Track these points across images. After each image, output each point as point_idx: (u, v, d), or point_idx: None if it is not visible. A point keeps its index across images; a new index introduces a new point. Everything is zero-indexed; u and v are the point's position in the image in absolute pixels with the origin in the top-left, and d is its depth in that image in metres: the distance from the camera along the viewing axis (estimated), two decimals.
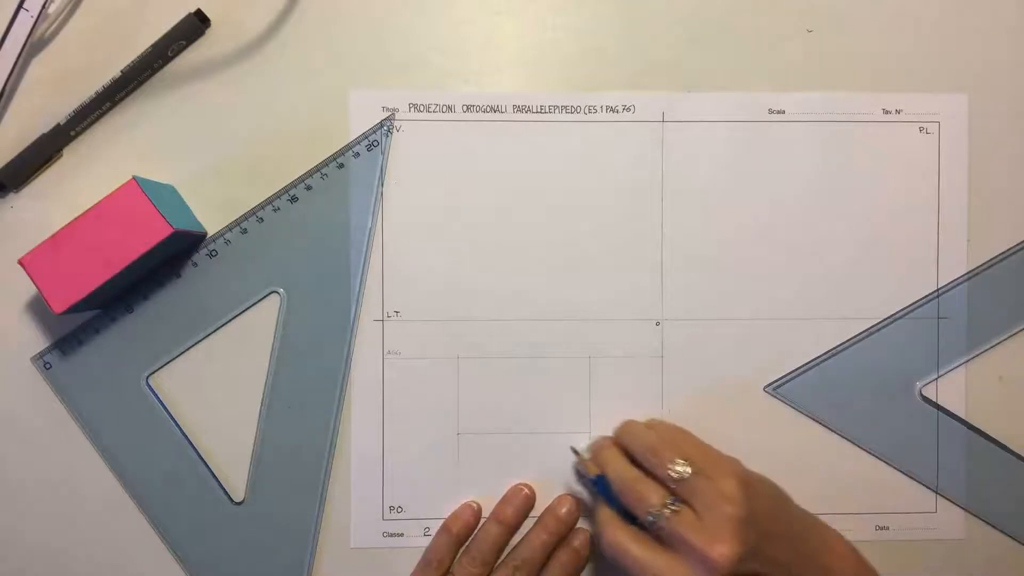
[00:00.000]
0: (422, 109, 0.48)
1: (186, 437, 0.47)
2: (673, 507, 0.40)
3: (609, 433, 0.47)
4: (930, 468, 0.49)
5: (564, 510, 0.47)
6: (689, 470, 0.41)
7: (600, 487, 0.44)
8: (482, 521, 0.47)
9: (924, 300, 0.49)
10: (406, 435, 0.48)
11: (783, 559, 0.41)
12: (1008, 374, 0.49)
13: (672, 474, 0.41)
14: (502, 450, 0.48)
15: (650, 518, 0.41)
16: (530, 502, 0.47)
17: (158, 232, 0.42)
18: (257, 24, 0.47)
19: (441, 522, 0.47)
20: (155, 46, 0.46)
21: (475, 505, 0.48)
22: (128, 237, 0.42)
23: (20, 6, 0.45)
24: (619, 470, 0.43)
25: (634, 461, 0.44)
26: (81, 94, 0.46)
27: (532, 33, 0.48)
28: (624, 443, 0.45)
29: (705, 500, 0.40)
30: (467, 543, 0.47)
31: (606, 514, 0.43)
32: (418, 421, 0.48)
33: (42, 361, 0.47)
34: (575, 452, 0.46)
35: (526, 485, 0.48)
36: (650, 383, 0.48)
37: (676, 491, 0.41)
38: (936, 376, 0.49)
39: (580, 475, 0.48)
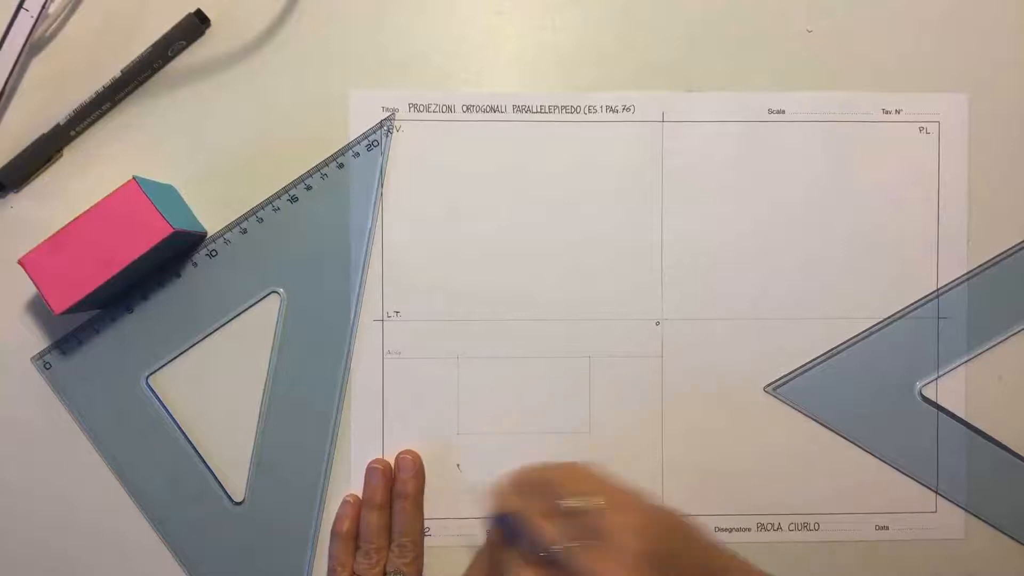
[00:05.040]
0: (422, 109, 0.48)
1: (186, 437, 0.47)
2: (576, 541, 0.40)
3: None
4: (930, 468, 0.49)
5: (407, 473, 0.47)
6: (589, 504, 0.41)
7: (503, 526, 0.43)
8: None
9: (924, 300, 0.49)
10: (406, 435, 0.48)
11: None
12: (1008, 374, 0.49)
13: (574, 507, 0.41)
14: (502, 450, 0.48)
15: (555, 551, 0.40)
16: (388, 472, 0.47)
17: (158, 232, 0.42)
18: (257, 24, 0.47)
19: (440, 522, 0.47)
20: (155, 46, 0.46)
21: (351, 497, 0.47)
22: (128, 237, 0.42)
23: (20, 6, 0.45)
24: (521, 507, 0.42)
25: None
26: (81, 94, 0.46)
27: (532, 33, 0.48)
28: (527, 481, 0.44)
29: (608, 533, 0.40)
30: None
31: (512, 555, 0.42)
32: (418, 421, 0.48)
33: (42, 361, 0.47)
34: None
35: (378, 460, 0.47)
36: (650, 383, 0.48)
37: (580, 525, 0.41)
38: (936, 376, 0.49)
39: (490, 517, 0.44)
